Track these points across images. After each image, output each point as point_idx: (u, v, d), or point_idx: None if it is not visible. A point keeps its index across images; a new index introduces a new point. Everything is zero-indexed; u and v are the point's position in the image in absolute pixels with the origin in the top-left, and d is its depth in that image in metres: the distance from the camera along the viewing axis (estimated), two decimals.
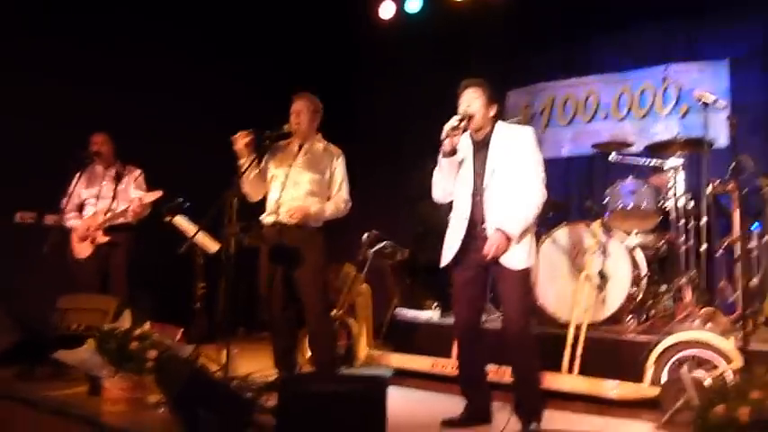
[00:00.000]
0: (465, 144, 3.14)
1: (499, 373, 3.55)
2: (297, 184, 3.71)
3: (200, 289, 3.87)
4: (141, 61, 5.51)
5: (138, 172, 4.62)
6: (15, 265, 4.69)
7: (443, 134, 2.99)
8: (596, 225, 3.94)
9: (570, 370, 3.63)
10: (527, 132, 3.11)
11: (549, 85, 6.21)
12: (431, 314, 4.66)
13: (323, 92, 4.00)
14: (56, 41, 5.12)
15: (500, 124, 3.13)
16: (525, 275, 3.05)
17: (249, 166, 3.62)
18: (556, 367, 3.65)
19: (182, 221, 3.90)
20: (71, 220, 4.52)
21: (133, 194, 4.50)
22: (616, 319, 4.02)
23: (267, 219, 3.77)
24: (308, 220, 3.65)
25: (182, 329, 3.86)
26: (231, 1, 6.09)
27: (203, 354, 3.85)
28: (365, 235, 4.80)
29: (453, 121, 2.99)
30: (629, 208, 4.25)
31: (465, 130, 3.06)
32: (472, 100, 3.05)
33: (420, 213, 6.16)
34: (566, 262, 4.14)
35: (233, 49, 6.16)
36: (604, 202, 4.44)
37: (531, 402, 3.01)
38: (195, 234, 3.63)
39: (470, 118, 3.02)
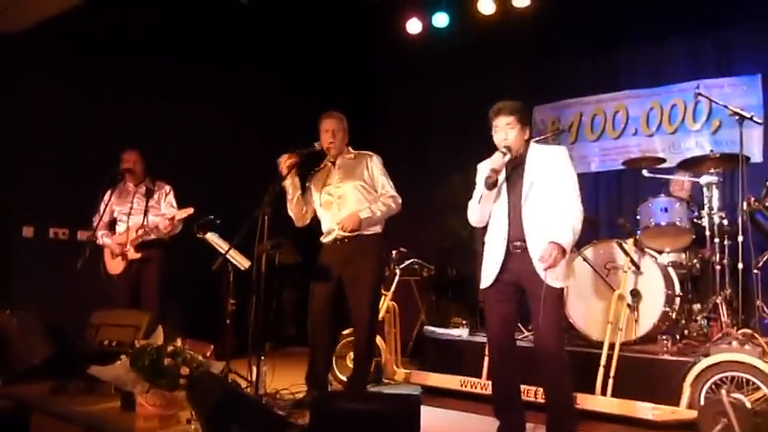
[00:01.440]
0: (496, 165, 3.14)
1: (531, 394, 3.50)
2: (344, 198, 3.75)
3: (231, 305, 3.88)
4: (170, 76, 5.60)
5: (168, 188, 4.67)
6: (49, 280, 4.76)
7: (489, 171, 3.00)
8: (630, 243, 3.88)
9: (604, 391, 3.57)
10: (561, 151, 3.13)
11: (576, 100, 6.18)
12: (460, 332, 4.62)
13: (351, 107, 4.04)
14: (91, 55, 5.23)
15: (533, 145, 3.16)
16: (561, 294, 3.06)
17: (285, 179, 3.67)
18: (588, 387, 3.60)
19: (213, 238, 3.93)
20: (103, 238, 4.57)
21: (164, 210, 4.54)
22: (649, 338, 3.95)
23: (326, 239, 3.81)
24: (362, 228, 3.66)
25: (212, 346, 3.87)
26: (261, 18, 6.17)
27: (233, 370, 3.88)
28: (393, 252, 4.79)
29: (497, 159, 3.02)
30: (662, 225, 4.19)
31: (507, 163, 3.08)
32: (508, 131, 3.06)
33: (446, 227, 6.16)
34: (597, 280, 4.08)
35: (262, 65, 6.26)
36: (636, 218, 4.38)
37: (565, 424, 2.97)
38: (227, 251, 3.66)
39: (509, 149, 3.04)
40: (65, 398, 3.88)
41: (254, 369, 3.57)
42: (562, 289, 3.05)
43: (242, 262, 3.75)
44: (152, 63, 5.48)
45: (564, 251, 2.92)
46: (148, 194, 4.57)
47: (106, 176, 4.50)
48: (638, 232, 4.28)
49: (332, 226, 3.77)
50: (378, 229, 3.77)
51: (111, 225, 4.65)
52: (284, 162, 3.67)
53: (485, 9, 5.85)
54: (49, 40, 4.96)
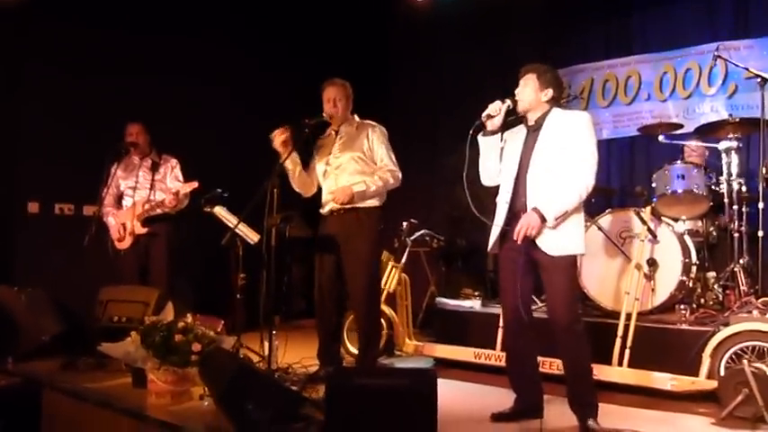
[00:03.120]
0: (519, 129, 3.06)
1: (548, 365, 3.46)
2: (341, 169, 3.67)
3: (241, 280, 3.83)
4: (174, 48, 5.48)
5: (174, 161, 4.58)
6: (56, 256, 4.72)
7: (483, 116, 2.95)
8: (647, 211, 3.80)
9: (620, 361, 3.53)
10: (583, 117, 2.96)
11: (587, 66, 6.04)
12: (472, 303, 4.57)
13: (358, 77, 3.93)
14: (92, 29, 5.11)
15: (556, 110, 2.99)
16: (569, 263, 2.91)
17: (284, 160, 3.59)
18: (605, 358, 3.55)
19: (221, 212, 3.86)
20: (108, 217, 4.50)
21: (170, 184, 4.47)
22: (666, 308, 3.89)
23: (323, 210, 3.75)
24: (356, 201, 3.58)
25: (223, 321, 3.84)
26: None
27: (245, 345, 3.84)
28: (404, 224, 4.72)
29: (495, 105, 2.95)
30: (679, 192, 4.09)
31: (511, 115, 2.98)
32: (522, 86, 2.98)
33: (456, 198, 6.06)
34: (612, 249, 4.00)
35: (265, 38, 6.11)
36: (652, 186, 4.29)
37: (584, 397, 2.90)
38: (236, 225, 3.59)
39: (513, 101, 2.96)
40: (75, 374, 3.88)
41: (266, 344, 3.53)
42: (572, 258, 2.92)
43: (251, 236, 3.69)
44: (153, 37, 5.35)
45: (543, 220, 2.81)
46: (154, 168, 4.48)
47: (111, 150, 4.41)
48: (654, 200, 4.19)
49: (328, 197, 3.70)
50: (376, 202, 3.67)
51: (119, 199, 4.57)
52: (277, 138, 3.57)
53: None
54: (50, 14, 4.85)
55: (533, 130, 2.98)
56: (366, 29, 6.57)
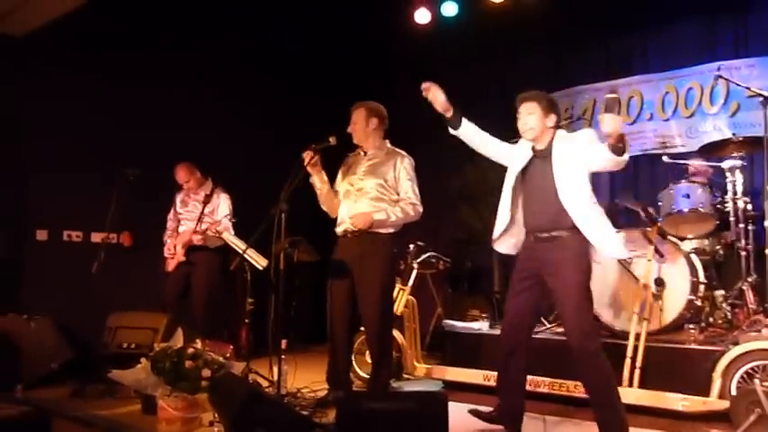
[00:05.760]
0: (523, 152, 3.12)
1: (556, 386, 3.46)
2: (362, 192, 3.69)
3: (249, 305, 3.84)
4: (180, 72, 5.55)
5: (223, 196, 4.69)
6: (64, 282, 4.74)
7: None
8: (653, 230, 3.81)
9: (630, 382, 3.51)
10: (589, 131, 3.10)
11: (589, 87, 6.08)
12: (480, 325, 4.56)
13: (361, 99, 3.95)
14: (99, 54, 5.17)
15: (559, 133, 3.09)
16: (583, 283, 2.92)
17: (294, 180, 3.60)
18: (616, 379, 3.53)
19: (230, 237, 3.90)
20: (168, 238, 4.73)
21: (219, 218, 4.59)
22: (675, 327, 3.88)
23: (338, 229, 3.76)
24: (373, 227, 3.60)
25: (231, 346, 3.84)
26: (269, 10, 6.11)
27: (254, 370, 3.84)
28: (410, 246, 4.73)
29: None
30: (685, 211, 4.10)
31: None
32: (525, 114, 3.05)
33: (461, 219, 6.08)
34: (619, 269, 4.01)
35: (271, 60, 6.18)
36: (657, 205, 4.30)
37: (612, 419, 2.83)
38: (245, 251, 3.61)
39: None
40: (84, 402, 3.88)
41: (275, 369, 3.53)
42: (587, 275, 2.93)
43: (259, 261, 3.71)
44: (160, 59, 5.42)
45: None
46: (206, 201, 4.60)
47: (119, 179, 4.45)
48: (660, 219, 4.20)
49: (344, 217, 3.71)
50: (392, 229, 3.69)
51: (179, 226, 4.78)
52: (306, 159, 3.62)
53: None
54: (57, 41, 4.91)
55: (543, 157, 3.06)
56: (369, 50, 6.67)
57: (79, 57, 5.07)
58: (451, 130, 3.19)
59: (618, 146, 2.74)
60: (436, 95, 3.13)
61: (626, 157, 2.81)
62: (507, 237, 3.15)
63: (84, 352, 4.54)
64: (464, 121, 3.17)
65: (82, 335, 4.66)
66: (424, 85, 3.15)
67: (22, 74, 4.92)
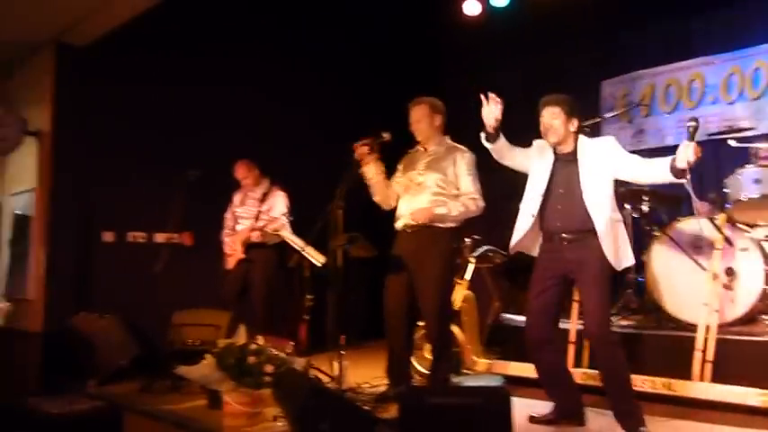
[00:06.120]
0: (545, 155, 3.19)
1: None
2: (422, 187, 3.67)
3: (308, 301, 3.89)
4: (236, 75, 5.64)
5: (280, 194, 4.76)
6: (130, 282, 4.91)
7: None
8: (721, 218, 3.65)
9: (702, 376, 3.38)
10: (611, 139, 3.16)
11: (647, 72, 5.87)
12: None
13: (409, 95, 3.94)
14: (162, 58, 5.31)
15: (582, 138, 3.16)
16: (607, 277, 3.02)
17: (350, 176, 3.63)
18: (684, 373, 3.42)
19: (289, 235, 3.95)
20: (226, 236, 4.81)
21: (275, 215, 4.65)
22: (748, 319, 3.71)
23: (397, 224, 3.76)
24: (433, 221, 3.59)
25: (292, 342, 3.89)
26: (316, 10, 6.16)
27: (314, 366, 3.88)
28: (467, 240, 4.68)
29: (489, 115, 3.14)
30: (755, 198, 3.92)
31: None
32: (549, 119, 3.11)
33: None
34: (685, 259, 3.86)
35: (320, 59, 6.23)
36: (724, 191, 4.12)
37: (626, 406, 2.94)
38: (303, 248, 3.65)
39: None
40: (152, 396, 4.02)
41: (336, 364, 3.56)
42: (609, 272, 3.02)
43: (317, 258, 3.74)
44: (215, 63, 5.54)
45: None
46: (263, 199, 4.69)
47: (180, 180, 4.57)
48: (728, 206, 4.03)
49: (404, 212, 3.71)
50: (451, 223, 3.67)
51: (236, 224, 4.86)
52: (358, 150, 3.64)
53: None
54: (116, 49, 5.06)
55: (567, 161, 3.12)
56: (418, 45, 6.62)
57: (138, 63, 5.22)
58: (487, 143, 3.23)
59: (684, 173, 2.78)
60: (494, 111, 3.14)
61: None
62: (524, 239, 3.22)
63: (151, 348, 4.70)
64: (501, 135, 3.21)
65: (148, 332, 4.83)
66: (492, 96, 3.16)
67: (84, 81, 5.10)
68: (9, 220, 5.57)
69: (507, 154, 3.25)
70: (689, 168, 2.75)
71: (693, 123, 2.79)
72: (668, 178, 2.83)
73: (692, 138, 2.75)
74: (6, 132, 4.86)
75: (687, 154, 2.71)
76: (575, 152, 3.11)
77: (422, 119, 3.73)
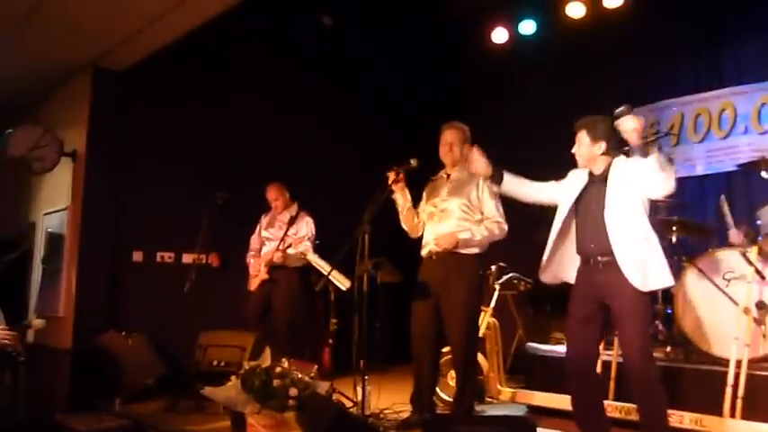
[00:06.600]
0: (580, 179, 3.17)
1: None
2: (446, 213, 3.69)
3: (333, 325, 3.90)
4: (264, 101, 5.78)
5: (308, 219, 4.82)
6: (158, 302, 4.98)
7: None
8: (753, 250, 3.59)
9: (732, 413, 3.30)
10: (650, 159, 3.02)
11: (676, 100, 5.83)
12: (564, 348, 4.41)
13: (437, 122, 3.97)
14: (192, 82, 5.46)
15: (620, 159, 3.11)
16: (645, 305, 2.94)
17: (377, 201, 3.65)
18: (714, 409, 3.34)
19: (315, 259, 3.98)
20: (251, 258, 4.89)
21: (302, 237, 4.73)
22: None
23: (423, 251, 3.78)
24: (459, 247, 3.60)
25: (315, 366, 3.90)
26: (345, 38, 6.26)
27: (338, 390, 3.88)
28: (492, 267, 4.67)
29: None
30: None
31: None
32: (577, 144, 3.14)
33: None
34: (715, 292, 3.80)
35: (349, 85, 6.32)
36: (756, 223, 4.06)
37: None
38: (329, 272, 3.68)
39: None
40: (176, 416, 4.04)
41: (360, 389, 3.55)
42: (648, 297, 2.93)
43: (343, 282, 3.76)
44: (248, 90, 5.69)
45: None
46: (291, 222, 4.76)
47: (209, 202, 4.65)
48: (760, 238, 3.96)
49: (429, 239, 3.72)
50: (477, 249, 3.67)
51: (262, 246, 4.94)
52: (390, 178, 3.68)
53: (574, 13, 5.66)
54: (153, 71, 5.19)
55: (598, 182, 3.10)
56: (445, 73, 6.68)
57: (171, 87, 5.37)
58: (495, 187, 3.31)
59: (642, 146, 2.80)
60: (477, 163, 3.23)
61: (660, 163, 2.82)
62: (550, 263, 3.21)
63: (177, 368, 4.74)
64: (505, 177, 3.24)
65: (174, 351, 4.87)
66: (473, 149, 3.28)
67: (118, 105, 5.26)
68: (43, 239, 5.70)
69: (524, 191, 3.27)
70: (649, 142, 2.79)
71: (622, 107, 2.86)
72: (652, 166, 2.83)
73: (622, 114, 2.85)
74: (44, 153, 5.01)
75: (626, 123, 2.82)
76: (606, 173, 3.07)
77: (456, 143, 3.76)
